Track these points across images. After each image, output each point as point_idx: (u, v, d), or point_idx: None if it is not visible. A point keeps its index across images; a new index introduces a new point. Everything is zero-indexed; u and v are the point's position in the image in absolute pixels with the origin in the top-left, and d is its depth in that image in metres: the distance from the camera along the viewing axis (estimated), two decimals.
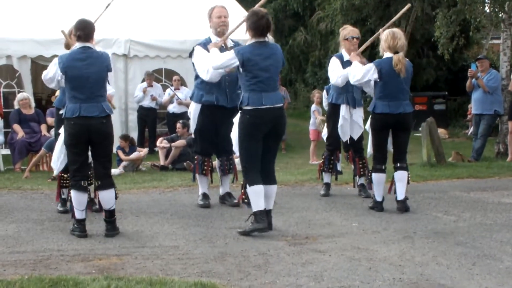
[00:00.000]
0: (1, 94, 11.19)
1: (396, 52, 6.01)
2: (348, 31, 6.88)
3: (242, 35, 5.71)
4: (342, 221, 5.84)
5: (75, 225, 5.27)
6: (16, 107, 10.42)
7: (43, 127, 10.29)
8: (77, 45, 5.30)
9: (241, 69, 5.29)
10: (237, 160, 6.72)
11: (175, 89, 12.33)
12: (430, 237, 5.18)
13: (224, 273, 4.21)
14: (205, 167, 6.49)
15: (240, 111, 5.34)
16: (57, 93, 6.40)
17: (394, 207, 6.28)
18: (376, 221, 5.78)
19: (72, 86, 5.21)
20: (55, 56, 9.78)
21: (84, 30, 5.24)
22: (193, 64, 6.34)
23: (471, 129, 13.00)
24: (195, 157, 6.58)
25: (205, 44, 6.21)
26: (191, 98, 6.62)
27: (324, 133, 7.29)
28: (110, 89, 6.03)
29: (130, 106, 12.19)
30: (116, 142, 8.85)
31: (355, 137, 6.96)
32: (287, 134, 12.63)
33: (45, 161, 9.97)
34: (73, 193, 5.28)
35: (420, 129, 9.84)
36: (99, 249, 4.85)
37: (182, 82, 12.44)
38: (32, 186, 7.89)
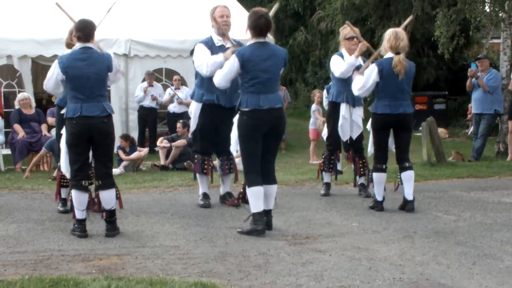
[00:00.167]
0: (2, 94, 11.18)
1: (397, 53, 6.01)
2: (348, 30, 6.88)
3: (244, 34, 5.72)
4: (342, 220, 5.84)
5: (76, 225, 5.27)
6: (17, 107, 10.42)
7: (44, 127, 10.30)
8: (77, 45, 5.31)
9: (240, 70, 5.29)
10: (237, 160, 6.73)
11: (175, 89, 12.33)
12: (430, 236, 5.19)
13: (224, 273, 4.21)
14: (205, 166, 6.50)
15: (238, 112, 5.35)
16: None
17: (395, 206, 6.29)
18: (376, 221, 5.78)
19: (72, 86, 5.22)
20: (55, 56, 9.78)
21: (84, 31, 5.24)
22: (193, 62, 6.35)
23: (471, 129, 13.01)
24: (195, 156, 6.58)
25: (207, 43, 6.22)
26: (191, 97, 6.62)
27: (324, 133, 7.29)
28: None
29: (130, 106, 12.19)
30: (117, 142, 8.86)
31: (354, 137, 6.96)
32: (287, 133, 12.64)
33: (45, 161, 9.99)
34: (73, 193, 5.29)
35: (420, 128, 9.84)
36: (99, 249, 4.86)
37: (183, 82, 12.45)
38: (33, 186, 7.89)
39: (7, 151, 10.42)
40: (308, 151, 11.67)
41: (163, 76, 12.72)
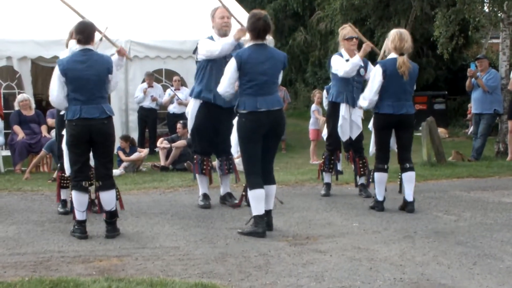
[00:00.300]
0: (1, 95, 11.18)
1: (401, 54, 6.02)
2: (347, 31, 6.89)
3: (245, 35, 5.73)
4: (343, 221, 5.84)
5: (76, 226, 5.27)
6: (16, 108, 10.42)
7: (44, 128, 10.30)
8: (77, 47, 5.31)
9: (238, 72, 5.29)
10: (237, 161, 6.72)
11: (175, 90, 12.34)
12: (430, 236, 5.19)
13: (224, 274, 4.21)
14: (205, 167, 6.49)
15: (237, 115, 5.35)
16: None
17: (395, 206, 6.29)
18: (377, 221, 5.78)
19: (72, 88, 5.22)
20: (55, 57, 9.81)
21: (84, 33, 5.24)
22: (196, 62, 6.36)
23: (471, 129, 13.01)
24: (194, 156, 6.58)
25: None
26: (190, 95, 6.62)
27: (324, 133, 7.29)
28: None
29: (130, 106, 12.20)
30: (117, 142, 8.86)
31: (354, 137, 6.96)
32: (286, 134, 12.64)
33: (45, 162, 9.98)
34: (74, 194, 5.29)
35: (420, 128, 9.83)
36: (99, 250, 4.85)
37: (182, 83, 12.45)
38: (32, 188, 7.88)
39: (7, 153, 10.43)
40: (308, 151, 11.67)
41: (163, 77, 12.73)
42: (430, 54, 18.99)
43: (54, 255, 4.70)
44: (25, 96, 10.46)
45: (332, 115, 7.02)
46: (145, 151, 10.37)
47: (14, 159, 9.99)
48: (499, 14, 11.98)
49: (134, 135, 11.62)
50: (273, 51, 5.46)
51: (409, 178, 6.18)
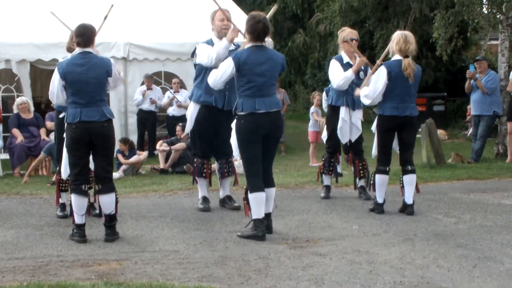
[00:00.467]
0: (0, 99, 11.18)
1: (406, 56, 6.02)
2: (347, 33, 6.88)
3: (242, 37, 5.71)
4: (343, 223, 5.83)
5: (75, 230, 5.25)
6: (15, 111, 10.41)
7: (42, 131, 10.28)
8: (77, 50, 5.30)
9: (236, 73, 5.28)
10: (236, 163, 6.71)
11: (174, 92, 12.32)
12: (430, 239, 5.18)
13: (224, 278, 4.20)
14: (205, 170, 6.48)
15: (235, 117, 5.34)
16: None
17: (395, 209, 6.28)
18: (377, 224, 5.77)
19: (72, 91, 5.22)
20: (54, 60, 9.81)
21: (83, 36, 5.23)
22: (194, 65, 6.35)
23: (471, 130, 13.00)
24: (194, 160, 6.57)
25: (208, 44, 6.22)
26: (190, 98, 6.61)
27: (324, 135, 7.28)
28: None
29: (129, 109, 12.18)
30: (116, 145, 8.84)
31: (353, 139, 6.95)
32: (286, 136, 12.63)
33: (44, 166, 9.96)
34: (73, 197, 5.28)
35: (420, 130, 9.82)
36: (98, 254, 4.84)
37: (182, 85, 12.43)
38: (31, 191, 7.87)
39: (6, 156, 10.41)
40: (308, 154, 11.66)
41: (162, 79, 12.72)
42: (429, 56, 18.98)
43: (53, 260, 4.68)
44: (24, 99, 10.45)
45: (331, 117, 7.01)
46: (144, 154, 10.36)
47: (13, 163, 9.98)
48: (498, 16, 11.98)
49: (133, 137, 11.60)
50: (271, 52, 5.45)
51: (410, 180, 6.17)
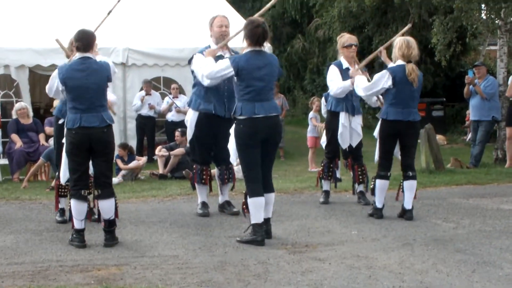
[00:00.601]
0: None
1: (409, 61, 6.04)
2: (346, 38, 6.90)
3: (240, 43, 5.72)
4: (342, 228, 5.83)
5: (74, 235, 5.25)
6: (14, 116, 10.42)
7: (41, 137, 10.29)
8: (77, 55, 5.31)
9: (235, 78, 5.30)
10: (236, 169, 6.71)
11: (173, 97, 12.34)
12: (429, 244, 5.18)
13: (223, 283, 4.20)
14: (204, 176, 6.48)
15: (234, 121, 5.35)
16: (55, 103, 6.40)
17: (393, 214, 6.28)
18: (376, 229, 5.77)
19: (72, 97, 5.22)
20: (53, 65, 9.82)
21: (83, 41, 5.24)
22: (192, 71, 6.35)
23: (469, 135, 13.02)
24: (194, 166, 6.57)
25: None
26: (188, 105, 6.61)
27: (323, 141, 7.29)
28: (111, 96, 6.03)
29: (128, 114, 12.19)
30: (115, 151, 8.84)
31: (354, 144, 6.96)
32: (285, 141, 12.63)
33: (43, 171, 9.97)
34: (72, 202, 5.28)
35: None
36: (98, 259, 4.84)
37: (181, 90, 12.45)
38: (30, 196, 7.86)
39: (5, 161, 10.41)
40: (307, 159, 11.66)
41: (161, 84, 12.74)
42: (428, 61, 18.99)
43: (52, 265, 4.68)
44: (23, 105, 10.47)
45: (331, 123, 7.02)
46: (143, 159, 10.36)
47: (12, 168, 9.98)
48: (496, 21, 12.02)
49: (132, 143, 11.61)
50: (269, 57, 5.47)
51: (410, 186, 6.18)
